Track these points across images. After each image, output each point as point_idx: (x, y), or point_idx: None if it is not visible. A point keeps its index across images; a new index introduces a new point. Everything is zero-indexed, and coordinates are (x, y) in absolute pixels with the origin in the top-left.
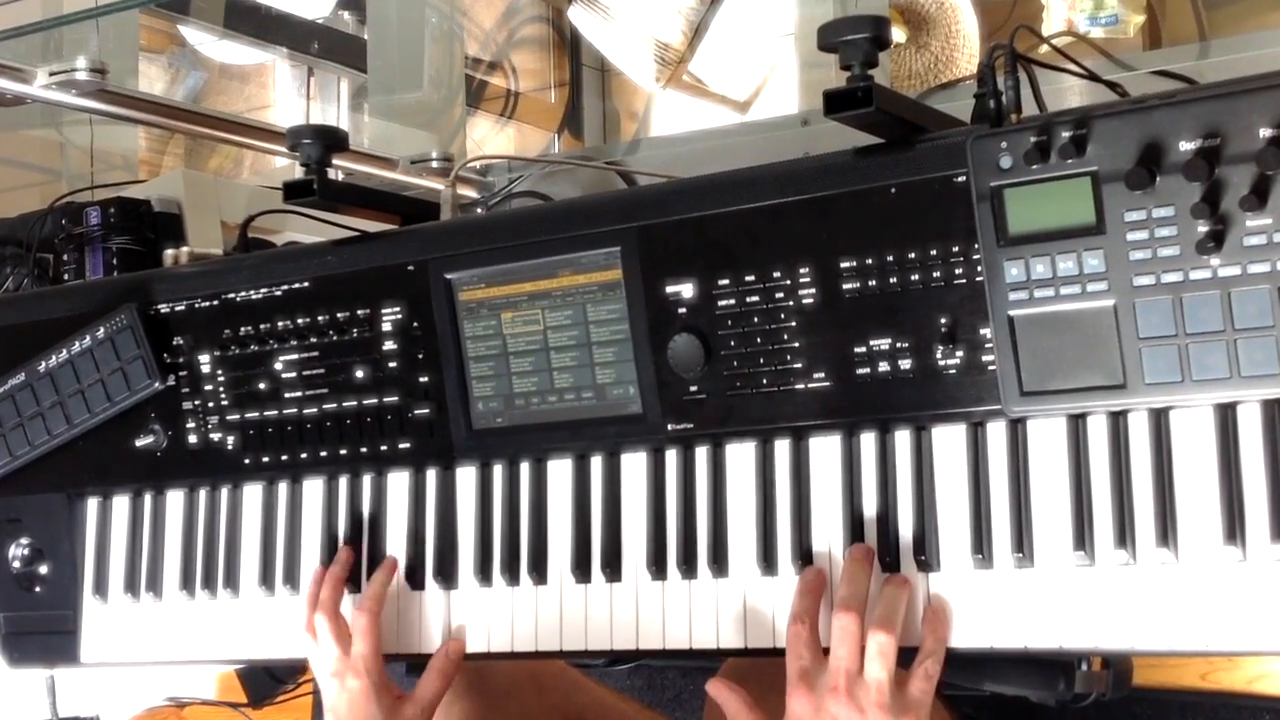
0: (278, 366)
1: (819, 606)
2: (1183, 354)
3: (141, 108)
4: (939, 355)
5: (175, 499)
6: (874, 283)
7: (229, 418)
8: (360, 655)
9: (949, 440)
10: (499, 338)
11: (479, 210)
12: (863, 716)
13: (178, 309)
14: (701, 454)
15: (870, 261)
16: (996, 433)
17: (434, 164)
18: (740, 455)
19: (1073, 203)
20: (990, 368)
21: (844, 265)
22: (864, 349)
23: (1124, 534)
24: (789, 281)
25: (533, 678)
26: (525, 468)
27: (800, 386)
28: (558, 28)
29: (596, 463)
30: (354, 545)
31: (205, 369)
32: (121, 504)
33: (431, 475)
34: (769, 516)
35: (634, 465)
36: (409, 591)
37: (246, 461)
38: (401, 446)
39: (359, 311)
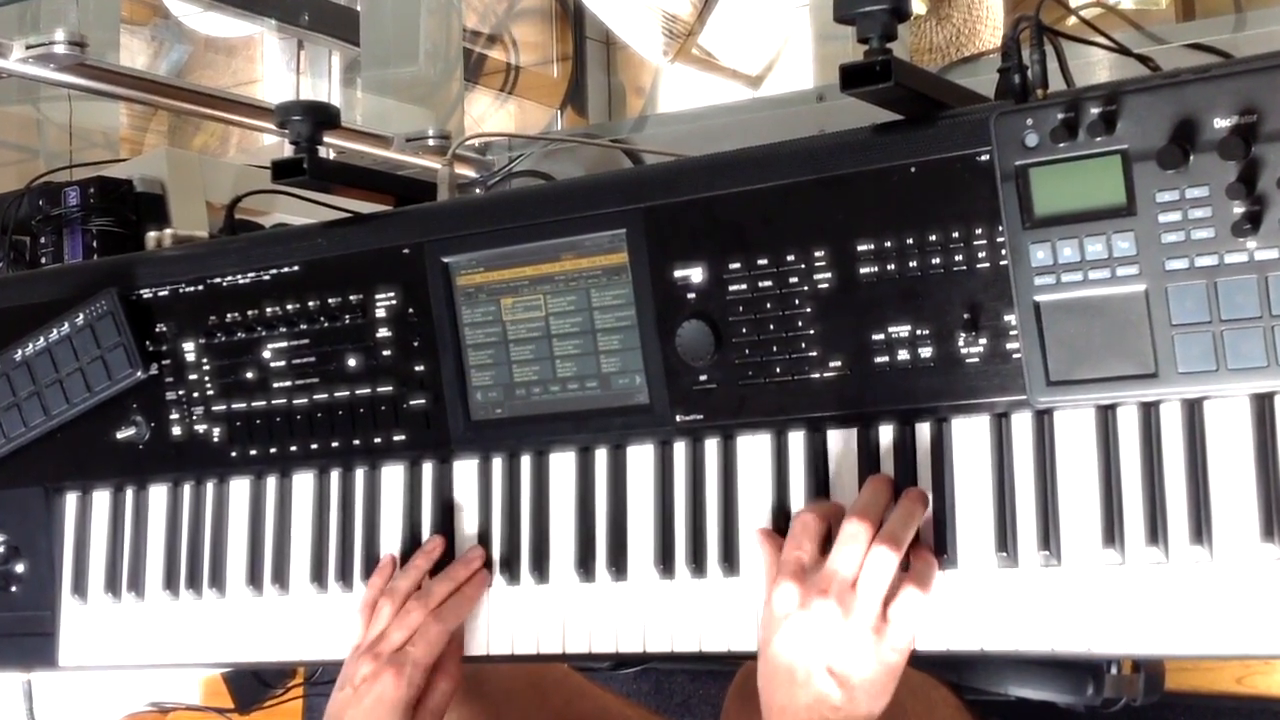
0: (266, 355)
1: (832, 519)
2: (1217, 341)
3: (123, 82)
4: (961, 343)
5: (158, 494)
6: (893, 267)
7: (215, 408)
8: (414, 659)
9: (971, 433)
10: (498, 324)
11: (477, 190)
12: (844, 625)
13: (161, 294)
14: (711, 446)
15: (889, 244)
16: (1021, 424)
17: (430, 142)
18: (752, 448)
19: (1102, 182)
20: (1015, 356)
21: (861, 248)
22: (882, 336)
23: (1156, 531)
24: (803, 265)
25: (533, 683)
26: (526, 461)
27: (815, 376)
28: None
29: (601, 456)
30: (345, 541)
31: (190, 357)
32: (102, 499)
33: (428, 469)
34: (783, 512)
35: (640, 458)
36: None
37: (233, 454)
38: (396, 439)
39: (351, 297)
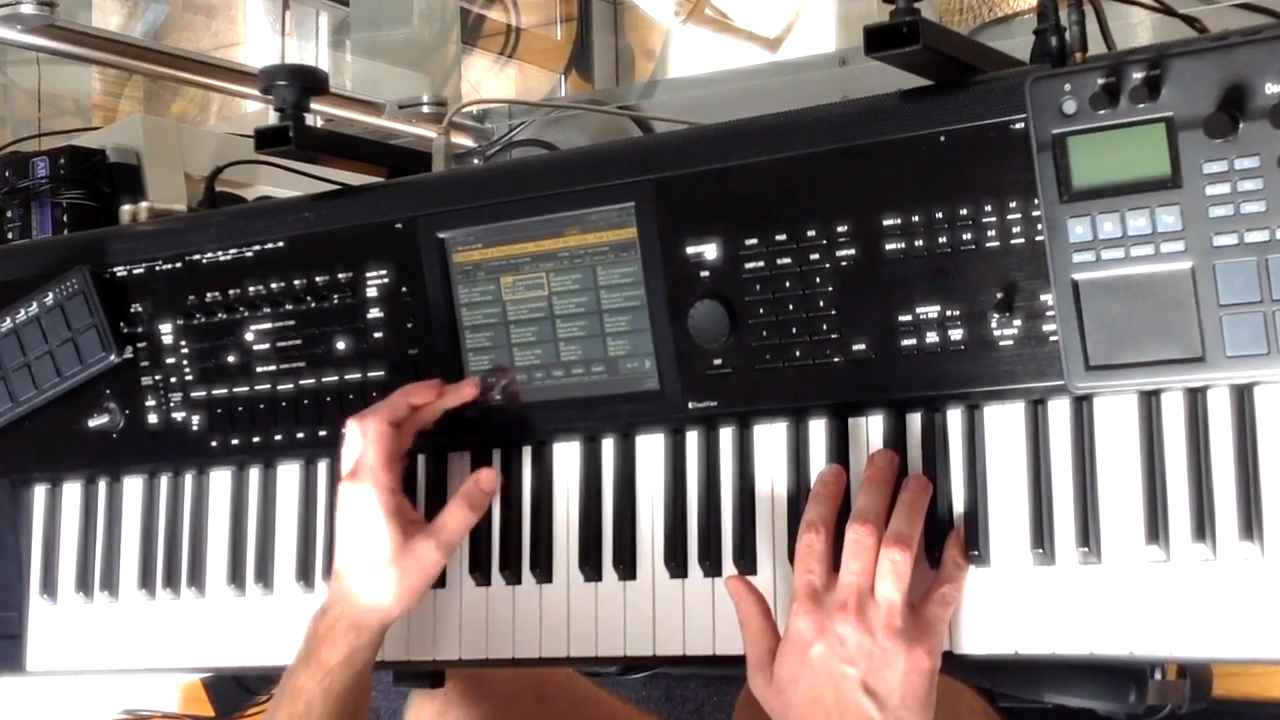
0: (249, 337)
1: (835, 516)
2: (1269, 322)
3: (95, 45)
4: (994, 325)
5: (133, 486)
6: (920, 243)
7: (194, 394)
8: (368, 464)
9: (1005, 421)
10: (498, 304)
11: (475, 161)
12: (871, 639)
13: (136, 272)
14: (726, 435)
15: (916, 219)
16: (1059, 412)
17: (425, 109)
18: (770, 437)
19: (1145, 152)
20: (1052, 339)
21: (887, 223)
22: (909, 317)
23: (1203, 526)
24: (825, 241)
25: (537, 687)
26: (527, 452)
27: (837, 360)
28: None
29: (608, 445)
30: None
31: (167, 340)
32: (73, 492)
33: (421, 460)
34: (802, 506)
35: (650, 448)
36: None
37: (213, 444)
38: None
39: (340, 275)
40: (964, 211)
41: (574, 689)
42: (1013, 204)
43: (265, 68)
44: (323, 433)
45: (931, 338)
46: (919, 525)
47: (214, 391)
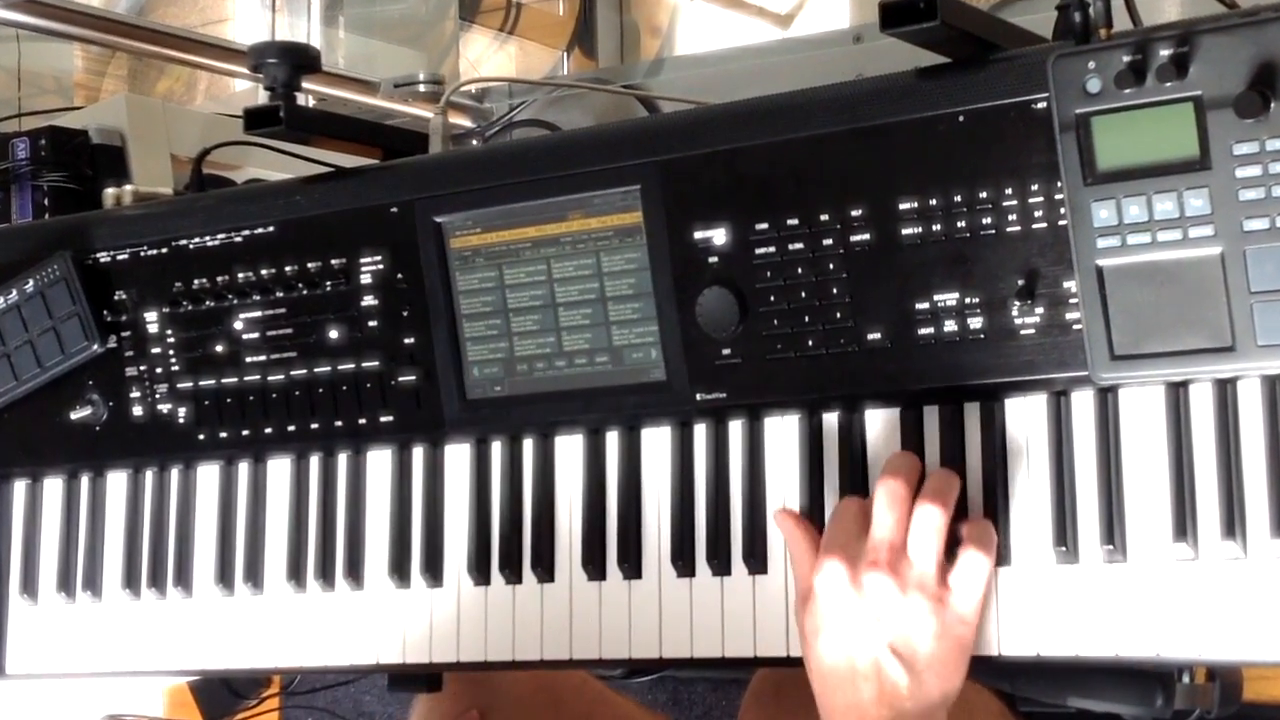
0: (238, 326)
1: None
2: None
3: (77, 21)
4: (1015, 313)
5: (117, 481)
6: (938, 227)
7: (180, 386)
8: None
9: (1026, 413)
10: (498, 292)
11: (474, 142)
12: (903, 594)
13: (120, 258)
14: (736, 428)
15: (934, 202)
16: (1082, 403)
17: (421, 88)
18: (781, 429)
19: (1172, 133)
20: (1075, 328)
21: (903, 207)
22: (927, 305)
23: (1233, 523)
24: (839, 226)
25: (549, 690)
26: (528, 445)
27: (852, 349)
28: None
29: (612, 438)
30: (326, 534)
31: (152, 328)
32: (54, 487)
33: (418, 453)
34: (815, 502)
35: (656, 441)
36: (392, 590)
37: (201, 437)
38: (383, 420)
39: (333, 261)
40: (983, 195)
41: (587, 692)
42: (1034, 187)
43: (255, 45)
44: (315, 426)
45: (950, 326)
46: (955, 490)
47: (201, 382)
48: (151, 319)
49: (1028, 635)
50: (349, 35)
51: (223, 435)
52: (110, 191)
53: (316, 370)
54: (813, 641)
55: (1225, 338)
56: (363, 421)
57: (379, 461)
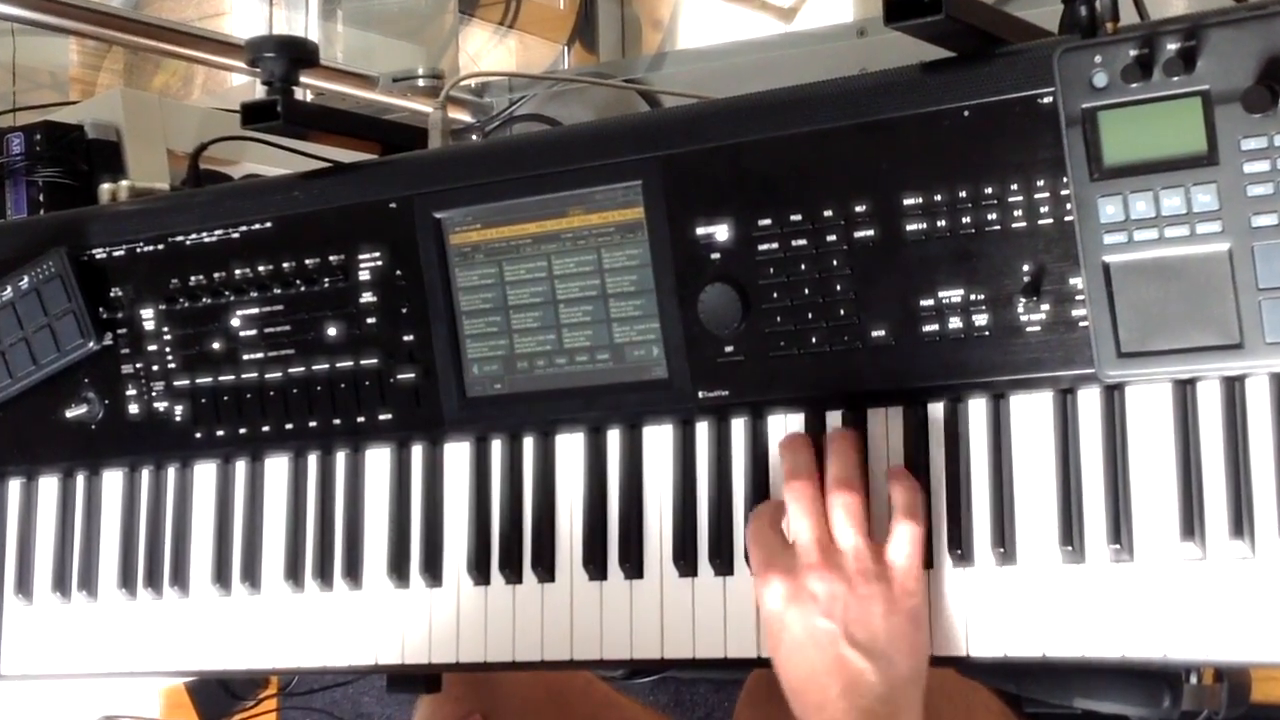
0: (235, 323)
1: (783, 509)
2: None
3: (72, 14)
4: (1020, 310)
5: (112, 480)
6: (943, 223)
7: (177, 383)
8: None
9: (1032, 410)
10: (498, 288)
11: (474, 137)
12: (849, 586)
13: (116, 254)
14: (738, 426)
15: (939, 198)
16: (1089, 401)
17: (420, 82)
18: (784, 428)
19: (1180, 128)
20: (1081, 324)
21: (908, 202)
22: (931, 302)
23: (1241, 522)
24: (843, 222)
25: (555, 692)
26: (529, 443)
27: (856, 347)
28: None
29: (613, 437)
30: (324, 534)
31: (149, 326)
32: (49, 486)
33: (417, 452)
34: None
35: (658, 439)
36: (391, 590)
37: (198, 436)
38: (382, 418)
39: (331, 257)
40: (989, 190)
41: (593, 695)
42: (1040, 182)
43: (252, 39)
44: (313, 424)
45: (955, 323)
46: (858, 464)
47: (198, 380)
48: (148, 316)
49: (1034, 635)
50: (347, 29)
51: (220, 434)
52: (106, 187)
53: (314, 368)
54: (776, 661)
55: (1233, 335)
56: (361, 420)
57: (378, 460)
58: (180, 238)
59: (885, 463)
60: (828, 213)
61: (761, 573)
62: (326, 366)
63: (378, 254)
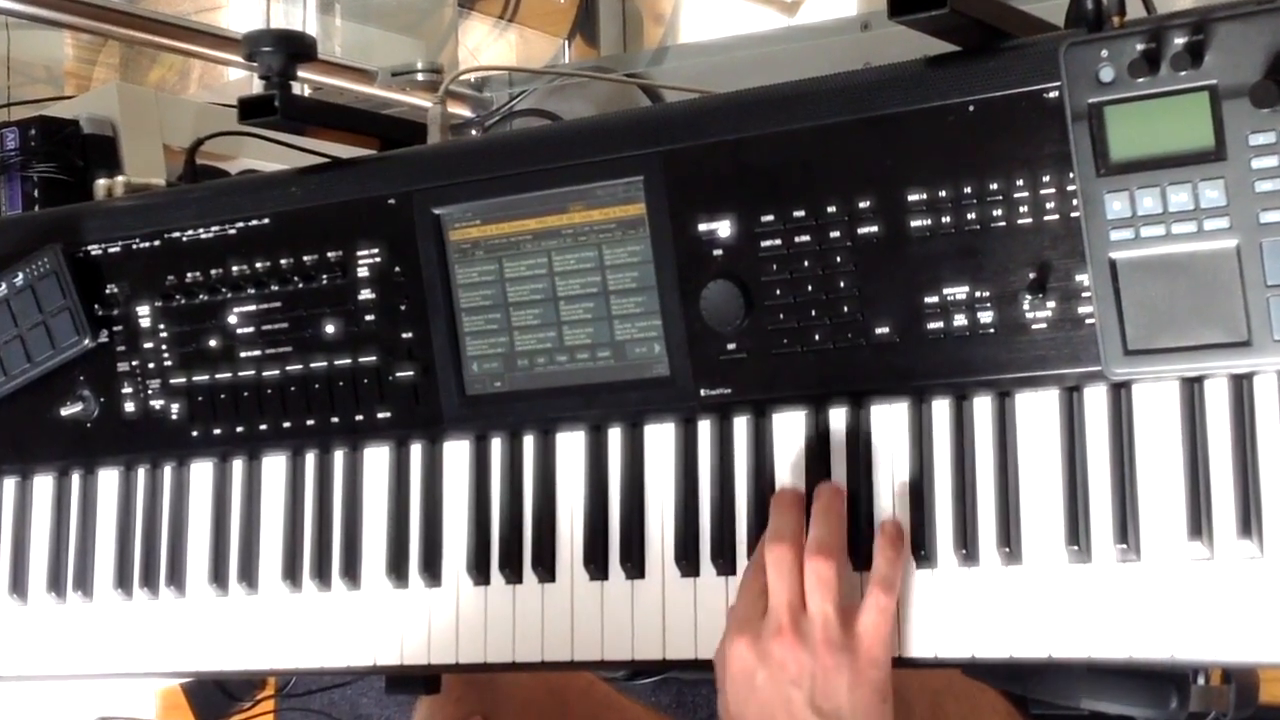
0: (232, 320)
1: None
2: None
3: (68, 8)
4: (1026, 307)
5: (108, 479)
6: (948, 219)
7: (173, 381)
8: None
9: (1038, 408)
10: (497, 285)
11: (473, 132)
12: (811, 656)
13: (112, 250)
14: (741, 424)
15: (943, 194)
16: (1095, 399)
17: (419, 76)
18: (787, 426)
19: (1187, 123)
20: (1088, 322)
21: (912, 198)
22: (936, 299)
23: (1249, 521)
24: (846, 218)
25: (556, 693)
26: (529, 441)
27: (859, 344)
28: None
29: (615, 435)
30: (322, 533)
31: (145, 323)
32: (44, 485)
33: (416, 450)
34: None
35: (660, 438)
36: (390, 590)
37: (194, 434)
38: (380, 416)
39: (329, 254)
40: (994, 186)
41: (594, 695)
42: (1046, 178)
43: (249, 33)
44: (310, 422)
45: (959, 321)
46: (839, 530)
47: (195, 378)
48: (144, 313)
49: (1040, 636)
50: (345, 23)
51: (217, 432)
52: (102, 183)
53: (312, 365)
54: (741, 716)
55: (1241, 332)
56: (360, 418)
57: (376, 459)
58: (177, 234)
59: (890, 464)
60: (831, 209)
61: (732, 631)
62: (324, 364)
63: (376, 250)
